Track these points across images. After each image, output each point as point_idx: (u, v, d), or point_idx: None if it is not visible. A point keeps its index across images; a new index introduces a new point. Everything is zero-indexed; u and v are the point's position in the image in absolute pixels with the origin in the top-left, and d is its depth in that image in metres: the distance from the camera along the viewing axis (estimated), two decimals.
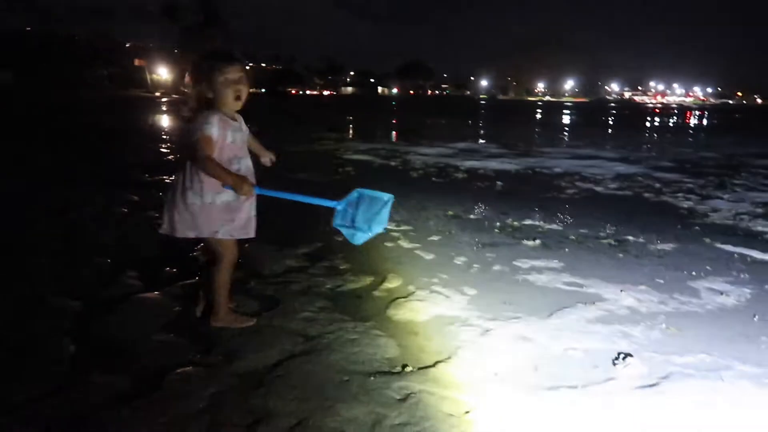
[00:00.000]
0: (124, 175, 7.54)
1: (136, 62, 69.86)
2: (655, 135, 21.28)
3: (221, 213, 2.58)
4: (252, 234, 2.73)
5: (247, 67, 2.59)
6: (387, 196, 2.53)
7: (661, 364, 2.52)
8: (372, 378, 2.32)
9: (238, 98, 2.54)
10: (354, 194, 2.55)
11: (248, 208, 2.69)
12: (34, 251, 3.98)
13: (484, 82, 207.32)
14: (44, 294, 3.14)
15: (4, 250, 3.98)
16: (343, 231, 2.54)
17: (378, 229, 2.48)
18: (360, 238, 2.49)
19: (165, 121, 21.52)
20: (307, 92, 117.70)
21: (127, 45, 71.05)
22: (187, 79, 2.56)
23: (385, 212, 2.50)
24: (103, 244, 4.17)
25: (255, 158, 2.83)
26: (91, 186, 6.59)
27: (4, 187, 6.46)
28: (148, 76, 68.41)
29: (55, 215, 5.08)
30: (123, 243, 4.24)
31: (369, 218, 2.48)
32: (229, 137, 2.54)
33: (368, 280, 3.55)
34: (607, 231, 5.01)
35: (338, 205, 2.54)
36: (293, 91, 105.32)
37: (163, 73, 72.05)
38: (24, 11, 56.63)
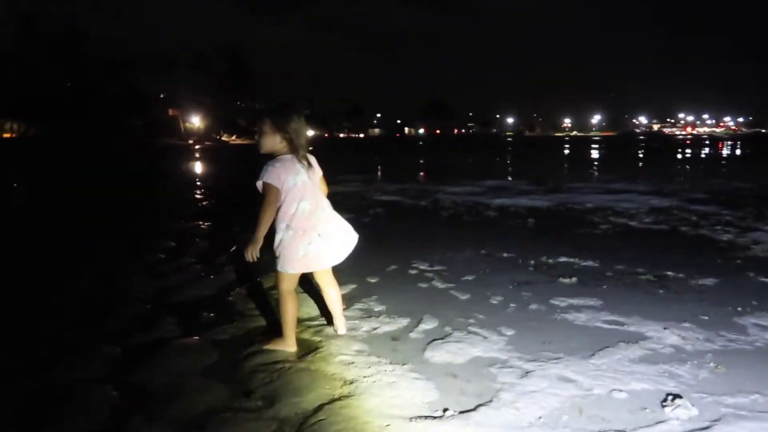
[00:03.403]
0: (160, 221, 7.73)
1: (170, 112, 72.35)
2: (688, 166, 20.96)
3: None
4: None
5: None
6: None
7: (713, 405, 2.42)
8: (412, 422, 2.28)
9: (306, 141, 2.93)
10: None
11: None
12: (72, 297, 4.09)
13: (510, 120, 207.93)
14: (83, 341, 3.21)
15: (43, 297, 4.10)
16: None
17: None
18: None
19: (198, 167, 22.11)
20: (340, 135, 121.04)
21: (162, 96, 73.84)
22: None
23: None
24: (141, 290, 4.26)
25: None
26: (128, 232, 6.77)
27: (39, 233, 6.68)
28: (182, 125, 70.70)
29: (92, 261, 5.22)
30: (161, 289, 4.32)
31: None
32: (290, 182, 2.86)
33: (404, 321, 3.53)
34: (645, 266, 4.89)
35: None
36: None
37: (195, 121, 74.42)
38: (62, 68, 59.92)
